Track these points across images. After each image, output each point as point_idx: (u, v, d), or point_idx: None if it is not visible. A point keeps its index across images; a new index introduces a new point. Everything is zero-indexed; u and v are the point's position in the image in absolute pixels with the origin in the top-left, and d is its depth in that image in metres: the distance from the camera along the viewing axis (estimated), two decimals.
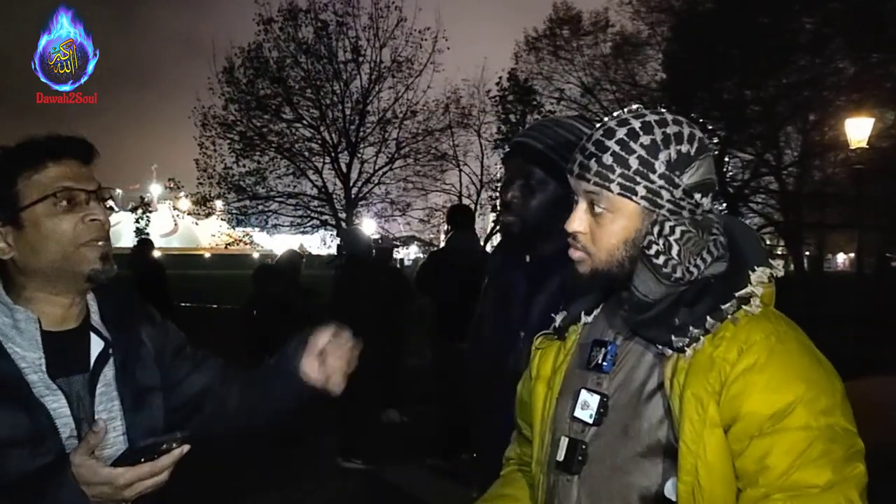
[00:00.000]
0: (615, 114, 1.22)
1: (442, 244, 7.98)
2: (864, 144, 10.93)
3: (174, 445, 1.15)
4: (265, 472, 5.00)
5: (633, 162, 1.13)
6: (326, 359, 1.45)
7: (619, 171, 1.13)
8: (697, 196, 1.15)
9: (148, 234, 20.84)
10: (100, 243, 1.28)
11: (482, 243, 10.10)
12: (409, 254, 33.75)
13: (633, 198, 1.14)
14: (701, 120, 18.76)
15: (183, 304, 8.69)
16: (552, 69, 21.44)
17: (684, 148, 1.14)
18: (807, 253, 24.27)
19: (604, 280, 1.22)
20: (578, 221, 1.20)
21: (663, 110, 1.21)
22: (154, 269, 8.73)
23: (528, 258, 1.85)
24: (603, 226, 1.17)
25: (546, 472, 1.30)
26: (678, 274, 1.13)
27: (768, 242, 17.45)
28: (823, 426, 1.04)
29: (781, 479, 1.02)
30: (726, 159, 20.00)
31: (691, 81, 18.39)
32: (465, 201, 18.30)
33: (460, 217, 5.58)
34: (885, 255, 12.92)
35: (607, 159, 1.14)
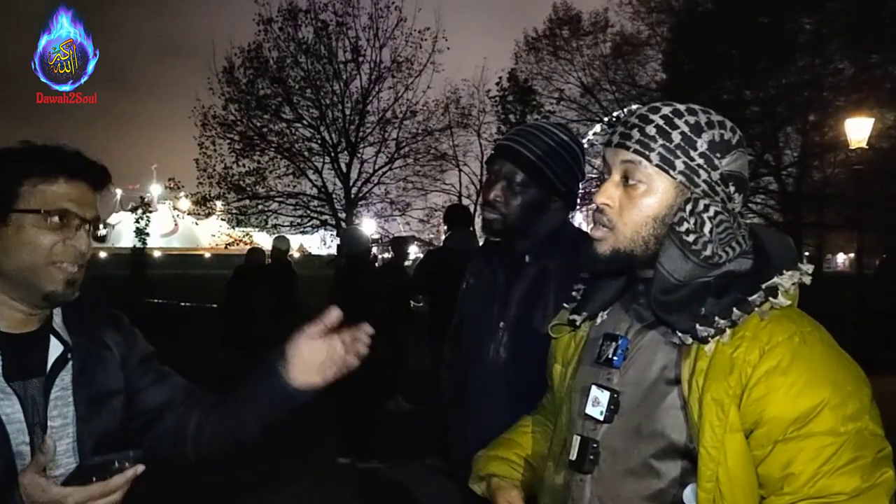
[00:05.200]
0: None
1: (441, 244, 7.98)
2: (863, 145, 10.93)
3: (127, 465, 1.09)
4: (265, 472, 5.01)
5: (676, 137, 1.11)
6: (332, 343, 1.35)
7: (660, 142, 1.11)
8: (732, 188, 1.12)
9: (148, 233, 20.83)
10: (71, 268, 1.24)
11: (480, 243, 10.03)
12: (409, 254, 33.70)
13: (671, 172, 1.11)
14: None
15: (183, 304, 8.68)
16: (552, 69, 21.48)
17: (727, 135, 1.13)
18: (806, 253, 24.25)
19: (624, 261, 1.15)
20: (608, 194, 1.15)
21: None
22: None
23: (527, 258, 1.90)
24: (634, 198, 1.13)
25: (557, 469, 1.26)
26: (707, 252, 1.09)
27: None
28: (852, 431, 1.00)
29: (807, 487, 0.99)
30: None
31: (691, 82, 18.37)
32: (465, 201, 18.33)
33: (458, 217, 5.54)
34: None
35: (650, 130, 1.12)
